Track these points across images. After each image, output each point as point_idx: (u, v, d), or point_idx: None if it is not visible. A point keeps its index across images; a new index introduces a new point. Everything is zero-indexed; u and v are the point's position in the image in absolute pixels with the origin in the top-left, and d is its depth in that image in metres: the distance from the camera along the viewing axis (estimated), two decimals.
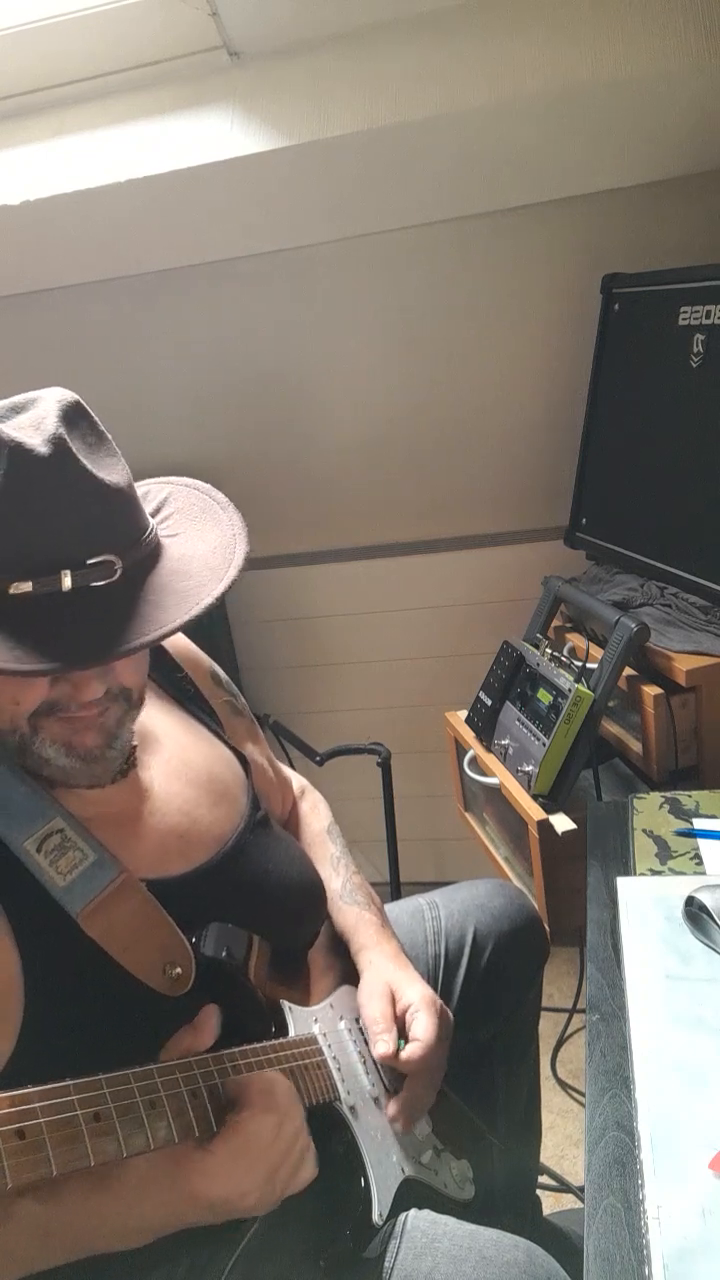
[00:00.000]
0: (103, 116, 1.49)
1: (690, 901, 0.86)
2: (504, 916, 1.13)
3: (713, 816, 1.03)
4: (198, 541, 0.79)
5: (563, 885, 1.30)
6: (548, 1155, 1.47)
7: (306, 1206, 0.78)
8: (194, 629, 0.73)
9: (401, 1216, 0.82)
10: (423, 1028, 0.88)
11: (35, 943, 0.71)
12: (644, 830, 1.03)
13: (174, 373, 1.74)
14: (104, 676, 0.74)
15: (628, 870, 0.97)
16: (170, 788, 0.86)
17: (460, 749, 1.55)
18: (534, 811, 1.28)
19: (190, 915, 0.79)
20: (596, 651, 1.36)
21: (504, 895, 1.16)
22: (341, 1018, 0.92)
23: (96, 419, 0.74)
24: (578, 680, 1.28)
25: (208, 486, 0.87)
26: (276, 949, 0.87)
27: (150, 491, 0.87)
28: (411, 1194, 0.86)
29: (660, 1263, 0.60)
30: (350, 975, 0.97)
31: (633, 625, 1.26)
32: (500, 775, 1.38)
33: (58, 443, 0.68)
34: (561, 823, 1.26)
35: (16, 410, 0.71)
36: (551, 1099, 1.60)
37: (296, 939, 0.93)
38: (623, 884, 0.93)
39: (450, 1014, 0.94)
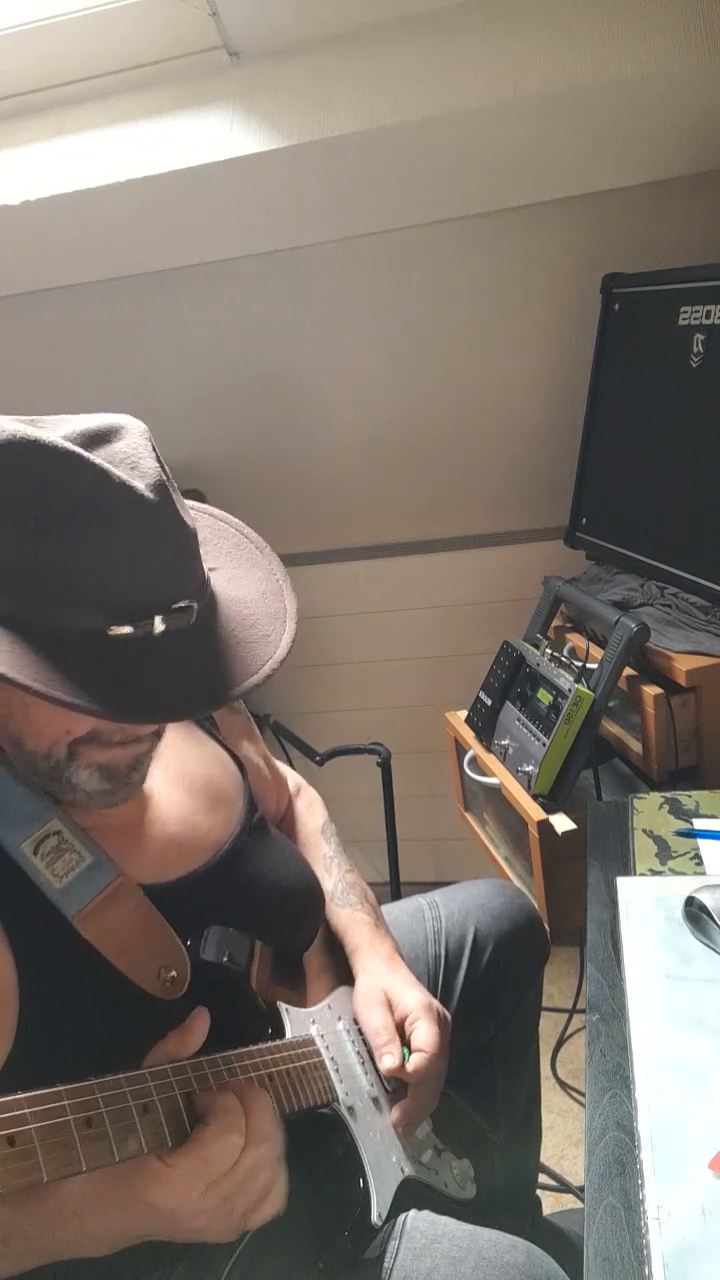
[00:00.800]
0: (103, 116, 1.49)
1: (690, 901, 0.86)
2: (504, 916, 1.13)
3: (713, 816, 1.03)
4: (244, 582, 0.79)
5: (563, 885, 1.30)
6: (548, 1155, 1.47)
7: (306, 1208, 0.78)
8: None
9: (401, 1217, 0.82)
10: (424, 1037, 0.88)
11: (31, 945, 0.71)
12: (644, 830, 1.03)
13: (174, 373, 1.74)
14: None
15: (628, 870, 0.97)
16: (170, 796, 0.86)
17: (460, 749, 1.55)
18: (534, 811, 1.28)
19: (186, 920, 0.79)
20: (596, 651, 1.36)
21: (504, 895, 1.16)
22: (339, 1019, 0.92)
23: None
24: (578, 680, 1.28)
25: (219, 511, 0.87)
26: (275, 952, 0.87)
27: None
28: (412, 1194, 0.86)
29: (660, 1263, 0.60)
30: (348, 976, 0.97)
31: (633, 625, 1.26)
32: (500, 775, 1.37)
33: (160, 489, 0.67)
34: (561, 823, 1.25)
35: (101, 439, 0.69)
36: (551, 1099, 1.60)
37: (294, 942, 0.93)
38: (623, 884, 0.93)
39: (449, 1018, 0.94)
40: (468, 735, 1.51)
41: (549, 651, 1.39)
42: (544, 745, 1.28)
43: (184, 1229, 0.66)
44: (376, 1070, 0.90)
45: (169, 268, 1.60)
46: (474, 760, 1.48)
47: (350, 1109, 0.85)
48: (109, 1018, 0.73)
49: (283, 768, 1.15)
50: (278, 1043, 0.82)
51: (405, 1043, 0.89)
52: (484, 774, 1.43)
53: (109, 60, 1.47)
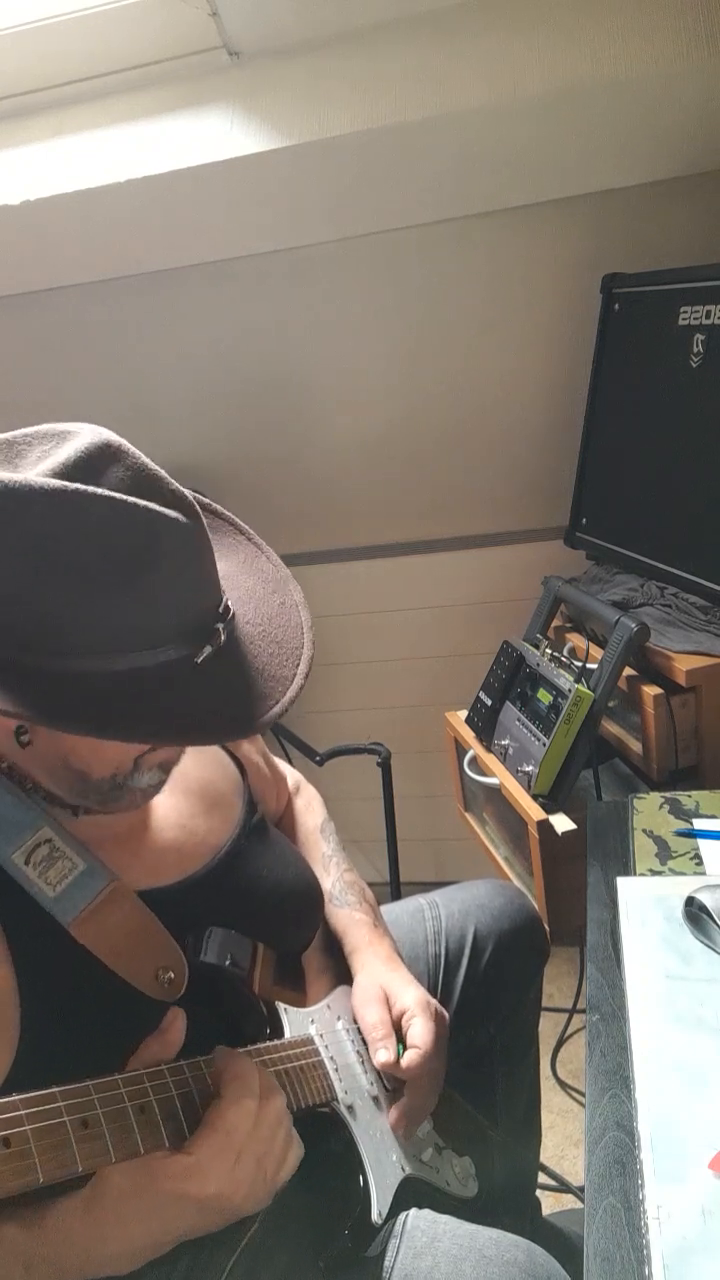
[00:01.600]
0: (103, 116, 1.49)
1: (690, 901, 0.86)
2: (504, 916, 1.13)
3: (713, 816, 1.03)
4: (241, 575, 0.80)
5: (563, 885, 1.30)
6: (548, 1155, 1.47)
7: (306, 1206, 0.79)
8: None
9: (401, 1216, 0.82)
10: (420, 1034, 0.88)
11: (29, 956, 0.70)
12: (644, 830, 1.03)
13: (174, 373, 1.74)
14: None
15: (628, 870, 0.97)
16: (168, 800, 0.86)
17: (460, 749, 1.55)
18: (534, 811, 1.28)
19: (184, 923, 0.79)
20: (596, 651, 1.36)
21: (504, 895, 1.16)
22: (339, 1018, 0.92)
23: None
24: (578, 680, 1.28)
25: (215, 505, 0.87)
26: (276, 953, 0.87)
27: None
28: (413, 1192, 0.86)
29: (660, 1263, 0.60)
30: (346, 975, 0.97)
31: (633, 625, 1.26)
32: (500, 775, 1.37)
33: (190, 509, 0.67)
34: (561, 823, 1.26)
35: (94, 466, 0.65)
36: (551, 1099, 1.60)
37: (293, 942, 0.93)
38: (623, 884, 0.93)
39: (446, 1016, 0.94)
40: (468, 735, 1.51)
41: (549, 651, 1.39)
42: (544, 745, 1.28)
43: (228, 1209, 0.66)
44: (376, 1069, 0.90)
45: (169, 268, 1.60)
46: (474, 760, 1.48)
47: (350, 1108, 0.86)
48: (109, 1023, 0.73)
49: (282, 765, 1.15)
50: (276, 1042, 0.83)
51: (402, 1040, 0.89)
52: (484, 774, 1.43)
53: (109, 60, 1.47)
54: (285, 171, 1.43)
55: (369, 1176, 0.82)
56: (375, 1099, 0.89)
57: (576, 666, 1.32)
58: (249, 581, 0.80)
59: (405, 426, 1.75)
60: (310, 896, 0.96)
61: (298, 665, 0.74)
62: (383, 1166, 0.84)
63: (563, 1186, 1.48)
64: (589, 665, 1.32)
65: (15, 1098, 0.58)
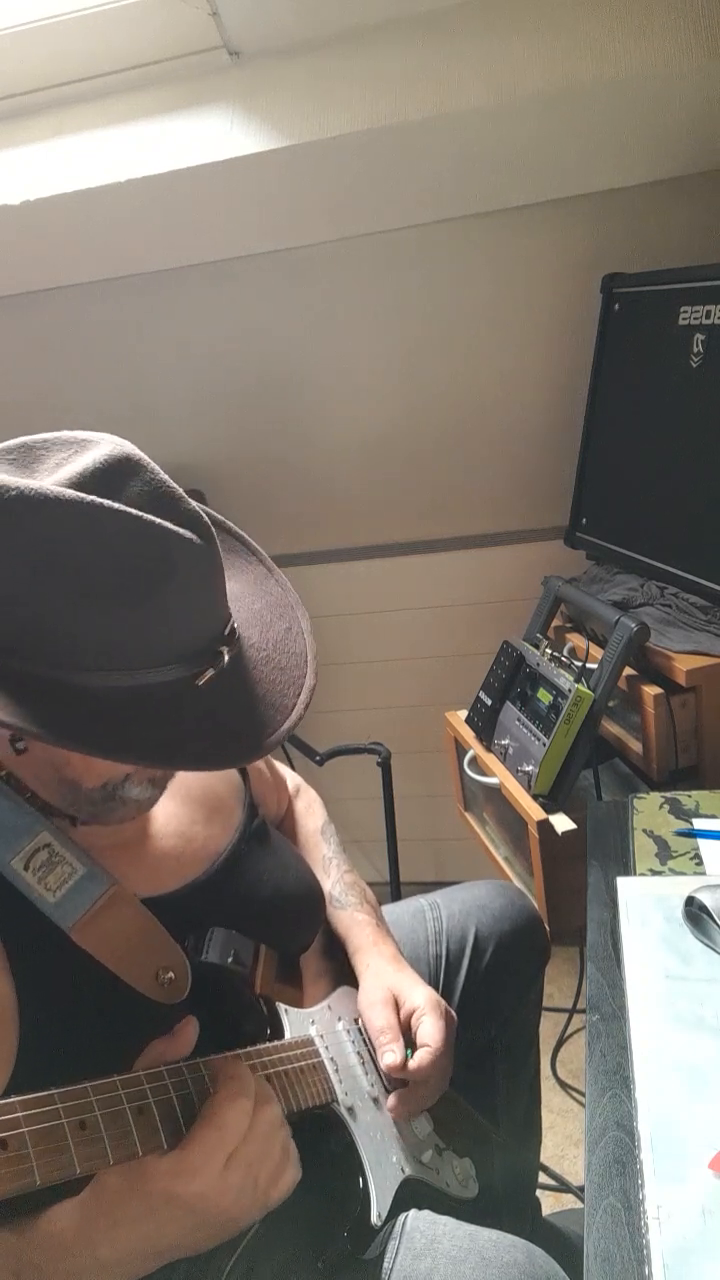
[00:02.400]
0: (103, 116, 1.49)
1: (690, 901, 0.86)
2: (505, 917, 1.13)
3: (713, 816, 1.03)
4: (250, 597, 0.80)
5: (563, 885, 1.30)
6: (548, 1155, 1.47)
7: (305, 1207, 0.78)
8: None
9: (401, 1217, 0.82)
10: (430, 1033, 0.88)
11: (30, 963, 0.70)
12: (644, 830, 1.03)
13: (174, 373, 1.74)
14: None
15: (628, 870, 0.97)
16: (168, 808, 0.86)
17: (460, 749, 1.55)
18: (534, 811, 1.28)
19: (184, 929, 0.79)
20: (596, 651, 1.36)
21: (505, 896, 1.16)
22: (339, 1019, 0.92)
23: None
24: (578, 680, 1.28)
25: (222, 519, 0.86)
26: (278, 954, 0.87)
27: None
28: (413, 1193, 0.86)
29: (660, 1263, 0.60)
30: (347, 976, 0.97)
31: (633, 625, 1.26)
32: (500, 775, 1.37)
33: (205, 530, 0.67)
34: (561, 823, 1.25)
35: (115, 479, 0.64)
36: (551, 1099, 1.60)
37: (294, 945, 0.93)
38: (623, 884, 0.93)
39: (455, 1016, 0.94)
40: (468, 735, 1.51)
41: (549, 651, 1.39)
42: (544, 745, 1.28)
43: (216, 1214, 0.64)
44: (377, 1070, 0.90)
45: (169, 268, 1.60)
46: (474, 760, 1.48)
47: (350, 1109, 0.85)
48: (110, 1026, 0.73)
49: (282, 768, 1.15)
50: (276, 1043, 0.82)
51: (411, 1041, 0.89)
52: (484, 774, 1.43)
53: (109, 60, 1.47)
54: (285, 171, 1.43)
55: (369, 1178, 0.82)
56: (375, 1100, 0.89)
57: (576, 666, 1.32)
58: (257, 604, 0.79)
59: (405, 426, 1.75)
60: (311, 899, 0.96)
61: (298, 695, 0.73)
62: (382, 1168, 0.84)
63: (563, 1186, 1.48)
64: (589, 665, 1.32)
65: (13, 1099, 0.58)
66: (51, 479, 0.63)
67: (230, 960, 0.80)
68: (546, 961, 1.17)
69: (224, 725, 0.68)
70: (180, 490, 0.67)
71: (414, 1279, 0.76)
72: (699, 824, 1.02)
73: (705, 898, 0.85)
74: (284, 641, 0.77)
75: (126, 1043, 0.70)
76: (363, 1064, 0.90)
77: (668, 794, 1.08)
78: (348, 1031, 0.92)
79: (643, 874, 0.96)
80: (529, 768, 1.30)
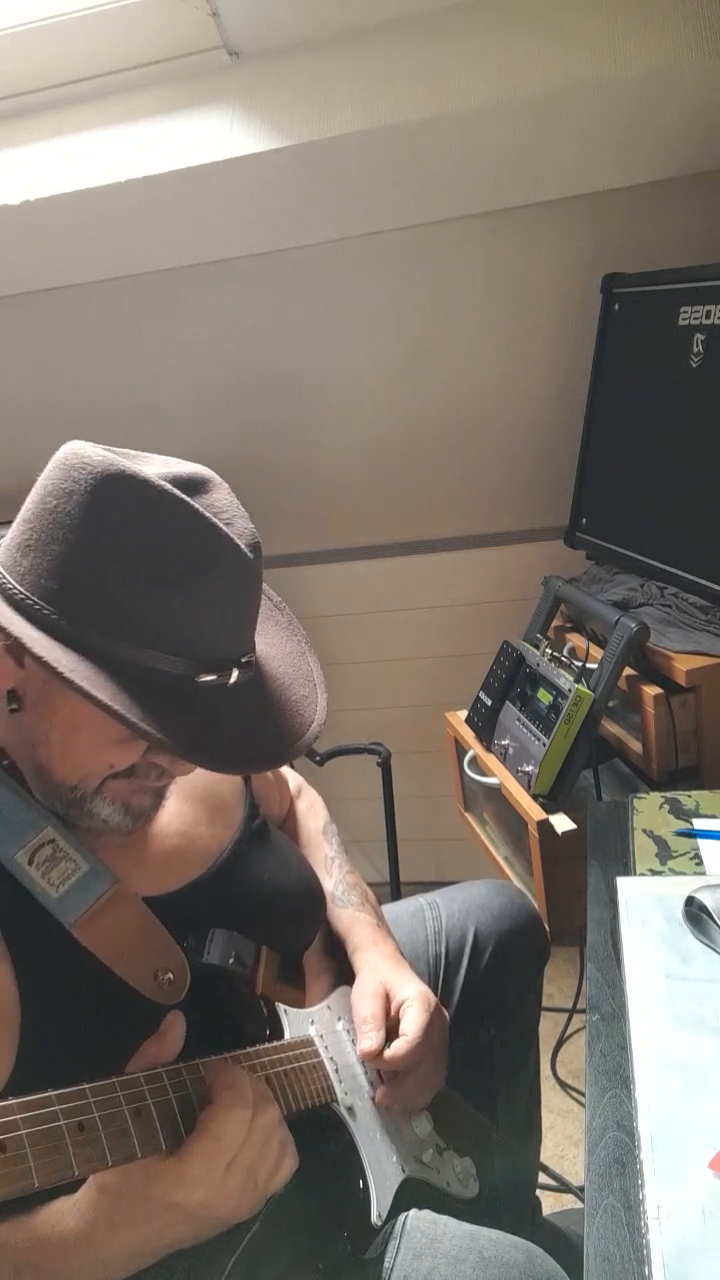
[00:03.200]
0: (103, 116, 1.49)
1: (690, 901, 0.86)
2: (504, 916, 1.13)
3: (713, 816, 1.03)
4: (280, 660, 0.84)
5: (563, 885, 1.30)
6: (548, 1155, 1.47)
7: (305, 1208, 0.78)
8: None
9: (401, 1217, 0.82)
10: (410, 1023, 0.88)
11: (31, 958, 0.70)
12: (644, 830, 1.03)
13: (174, 373, 1.74)
14: None
15: (628, 870, 0.97)
16: (170, 808, 0.86)
17: (460, 749, 1.55)
18: (534, 811, 1.28)
19: (185, 928, 0.79)
20: (596, 651, 1.36)
21: (504, 895, 1.16)
22: (339, 1019, 0.92)
23: None
24: (578, 680, 1.28)
25: None
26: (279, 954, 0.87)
27: None
28: (414, 1193, 0.86)
29: (660, 1263, 0.60)
30: (347, 976, 0.97)
31: (633, 625, 1.26)
32: (500, 775, 1.37)
33: (256, 550, 0.73)
34: (561, 823, 1.25)
35: (197, 488, 0.71)
36: (551, 1099, 1.60)
37: (295, 944, 0.93)
38: (623, 884, 0.93)
39: (446, 1012, 0.94)
40: (468, 735, 1.51)
41: (549, 651, 1.39)
42: (544, 745, 1.28)
43: (217, 1218, 0.65)
44: (377, 1070, 0.90)
45: (169, 268, 1.60)
46: (474, 760, 1.48)
47: (350, 1109, 0.85)
48: (109, 1024, 0.73)
49: (284, 769, 1.15)
50: (276, 1044, 0.82)
51: (396, 1033, 0.89)
52: (484, 774, 1.43)
53: (109, 60, 1.47)
54: (285, 171, 1.43)
55: (368, 1178, 0.82)
56: (375, 1100, 0.89)
57: (576, 666, 1.32)
58: (285, 669, 0.83)
59: (405, 426, 1.75)
60: (311, 898, 0.96)
61: (312, 717, 0.79)
62: (383, 1168, 0.84)
63: (563, 1186, 1.48)
64: (589, 665, 1.32)
65: (11, 1101, 0.58)
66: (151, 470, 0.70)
67: (231, 961, 0.80)
68: (546, 961, 1.17)
69: (222, 730, 0.71)
70: (248, 520, 0.73)
71: (414, 1279, 0.76)
72: (699, 824, 1.02)
73: (705, 898, 0.85)
74: (293, 705, 0.80)
75: (125, 1042, 0.70)
76: (362, 1064, 0.90)
77: (668, 794, 1.08)
78: (347, 1031, 0.92)
79: (643, 874, 0.96)
80: (529, 768, 1.30)
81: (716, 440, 1.28)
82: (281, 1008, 0.87)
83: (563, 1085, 1.67)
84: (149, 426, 1.78)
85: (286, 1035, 0.85)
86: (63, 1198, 0.65)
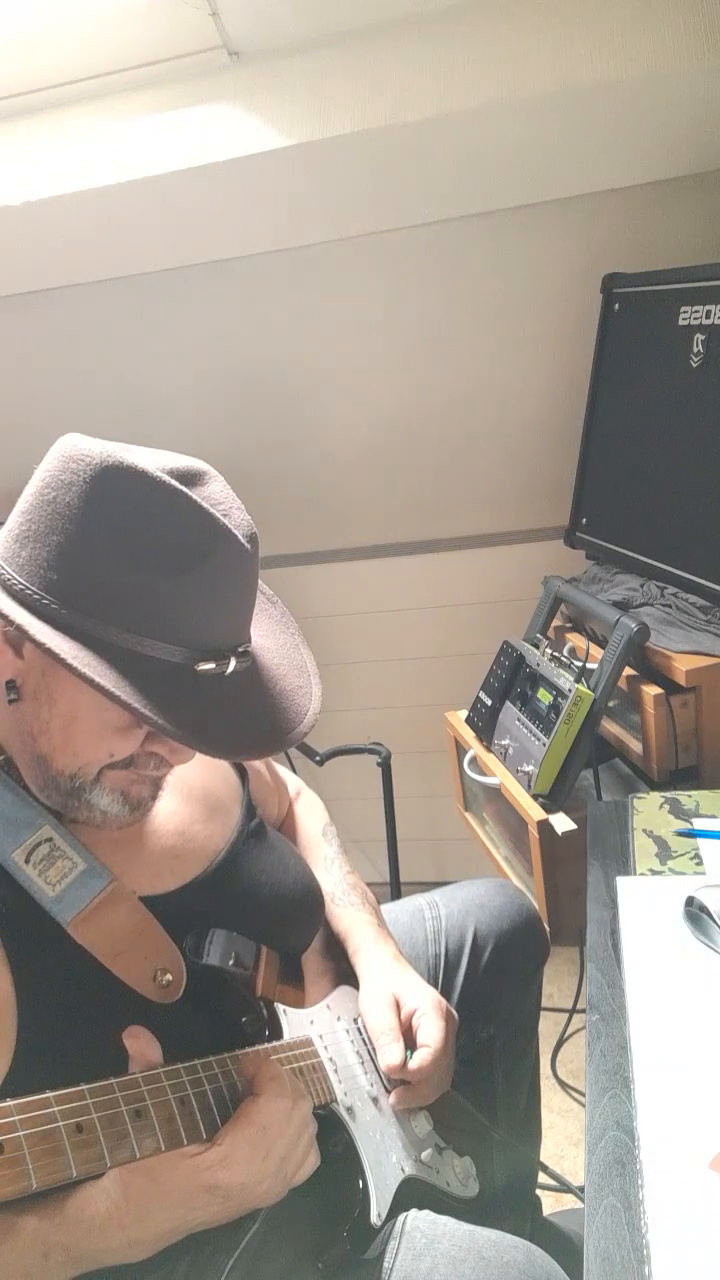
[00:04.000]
0: (103, 116, 1.49)
1: (690, 901, 0.86)
2: (504, 916, 1.13)
3: (713, 816, 1.03)
4: (277, 656, 0.85)
5: (563, 885, 1.30)
6: (548, 1155, 1.47)
7: (305, 1208, 0.79)
8: None
9: (401, 1217, 0.82)
10: (430, 1033, 0.88)
11: (28, 956, 0.70)
12: (644, 830, 1.03)
13: (173, 373, 1.74)
14: None
15: (628, 870, 0.97)
16: (168, 807, 0.86)
17: (460, 749, 1.55)
18: (534, 811, 1.28)
19: (183, 928, 0.79)
20: (596, 651, 1.36)
21: (504, 895, 1.16)
22: (338, 1019, 0.92)
23: None
24: (578, 680, 1.28)
25: None
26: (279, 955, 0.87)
27: None
28: (414, 1193, 0.86)
29: (660, 1263, 0.60)
30: (346, 976, 0.97)
31: (633, 625, 1.26)
32: (500, 775, 1.37)
33: (253, 541, 0.73)
34: (561, 823, 1.25)
35: (194, 480, 0.72)
36: (551, 1099, 1.60)
37: (293, 945, 0.93)
38: (623, 884, 0.93)
39: (456, 1017, 0.94)
40: (468, 735, 1.51)
41: (549, 651, 1.39)
42: (544, 745, 1.28)
43: (249, 1200, 0.69)
44: (376, 1070, 0.90)
45: (169, 268, 1.60)
46: (474, 760, 1.48)
47: (349, 1109, 0.85)
48: (106, 1024, 0.72)
49: (284, 772, 1.15)
50: (275, 1044, 0.82)
51: (411, 1041, 0.89)
52: (484, 774, 1.43)
53: (109, 60, 1.46)
54: (285, 171, 1.43)
55: (368, 1178, 0.82)
56: (375, 1100, 0.89)
57: (576, 666, 1.32)
58: (279, 660, 0.83)
59: (405, 426, 1.75)
60: (310, 899, 0.96)
61: (308, 706, 0.79)
62: (382, 1168, 0.84)
63: (563, 1186, 1.47)
64: (589, 665, 1.32)
65: (9, 1103, 0.58)
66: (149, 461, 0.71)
67: (231, 963, 0.80)
68: (545, 959, 1.17)
69: (216, 718, 0.71)
70: (245, 512, 0.74)
71: (414, 1279, 0.76)
72: (699, 824, 1.02)
73: (705, 898, 0.85)
74: (286, 697, 0.81)
75: (122, 1041, 0.70)
76: (362, 1064, 0.90)
77: (668, 794, 1.08)
78: (347, 1031, 0.92)
79: (643, 874, 0.96)
80: (529, 768, 1.30)
81: (716, 440, 1.28)
82: (281, 1008, 0.86)
83: (563, 1085, 1.67)
84: (149, 426, 1.78)
85: (286, 1035, 0.85)
86: (93, 1181, 0.66)
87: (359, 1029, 0.93)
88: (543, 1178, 1.28)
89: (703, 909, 0.85)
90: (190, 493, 0.69)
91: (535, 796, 1.29)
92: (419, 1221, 0.81)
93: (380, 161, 1.42)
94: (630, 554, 1.46)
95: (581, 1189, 0.71)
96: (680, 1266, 0.59)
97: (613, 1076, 0.74)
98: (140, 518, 0.68)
